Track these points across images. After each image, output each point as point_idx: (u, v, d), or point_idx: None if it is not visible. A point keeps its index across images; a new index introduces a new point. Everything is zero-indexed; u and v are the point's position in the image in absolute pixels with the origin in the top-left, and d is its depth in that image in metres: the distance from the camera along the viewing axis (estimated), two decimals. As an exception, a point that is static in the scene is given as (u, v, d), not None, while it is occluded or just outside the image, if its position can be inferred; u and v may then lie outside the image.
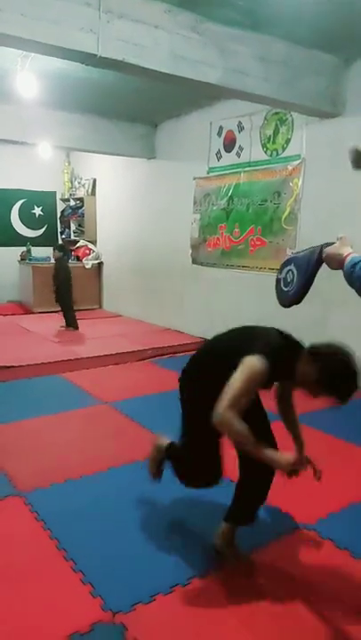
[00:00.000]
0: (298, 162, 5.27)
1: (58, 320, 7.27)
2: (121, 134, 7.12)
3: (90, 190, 9.08)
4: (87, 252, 9.00)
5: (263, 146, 5.69)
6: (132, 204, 8.04)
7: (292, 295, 1.97)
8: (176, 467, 2.34)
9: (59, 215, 9.73)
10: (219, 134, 6.23)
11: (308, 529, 2.45)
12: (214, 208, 6.38)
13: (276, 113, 5.45)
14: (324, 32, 4.01)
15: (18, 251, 9.07)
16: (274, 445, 2.08)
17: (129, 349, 6.02)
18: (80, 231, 9.33)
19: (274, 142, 5.56)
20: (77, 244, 9.15)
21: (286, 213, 5.42)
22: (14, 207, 9.28)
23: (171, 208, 7.13)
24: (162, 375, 5.02)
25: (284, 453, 1.93)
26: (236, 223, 6.07)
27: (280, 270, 2.08)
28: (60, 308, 7.18)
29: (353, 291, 1.69)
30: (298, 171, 5.27)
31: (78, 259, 8.97)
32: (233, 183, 6.08)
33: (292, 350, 1.93)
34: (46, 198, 9.58)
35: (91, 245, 9.07)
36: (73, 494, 2.76)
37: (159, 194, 7.40)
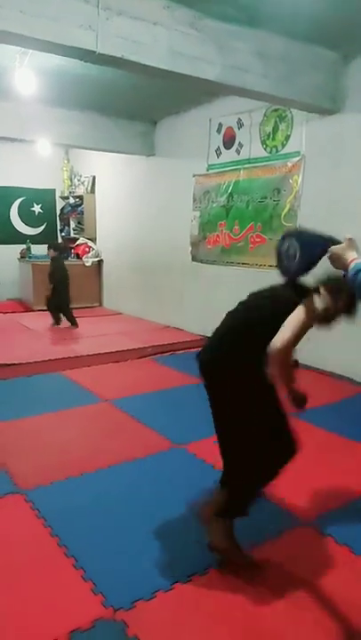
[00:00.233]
0: (297, 158, 5.26)
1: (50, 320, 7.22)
2: (120, 131, 7.11)
3: (89, 188, 9.06)
4: (87, 249, 9.00)
5: (263, 143, 5.68)
6: (131, 201, 8.03)
7: (293, 272, 2.05)
8: (247, 484, 2.12)
9: (58, 213, 9.72)
10: (218, 131, 6.22)
11: (307, 525, 2.46)
12: (214, 205, 6.37)
13: (276, 110, 5.44)
14: (323, 28, 3.99)
15: (17, 248, 9.07)
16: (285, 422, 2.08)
17: (129, 347, 6.02)
18: (80, 229, 9.32)
19: (273, 139, 5.55)
20: (77, 242, 9.15)
21: (286, 210, 5.41)
22: (14, 205, 9.27)
23: (170, 205, 7.13)
24: (162, 373, 5.01)
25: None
26: (236, 220, 6.06)
27: (282, 239, 2.10)
28: (48, 309, 7.13)
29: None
30: (297, 167, 5.26)
31: (78, 256, 8.97)
32: (233, 180, 6.07)
33: (308, 290, 2.04)
34: (46, 196, 9.57)
35: (90, 243, 9.07)
36: (74, 492, 2.76)
37: (159, 191, 7.39)
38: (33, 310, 8.32)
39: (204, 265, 6.62)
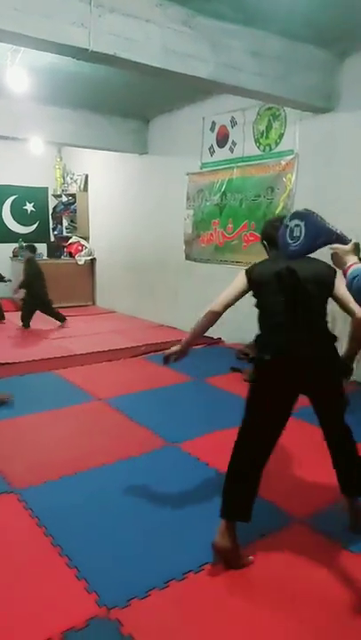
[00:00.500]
0: (291, 157, 5.27)
1: (44, 319, 7.14)
2: (113, 129, 7.08)
3: (82, 186, 9.03)
4: (80, 248, 8.97)
5: (256, 141, 5.68)
6: (124, 199, 8.01)
7: (290, 252, 2.02)
8: None
9: (51, 211, 9.68)
10: (212, 129, 6.22)
11: (302, 523, 2.46)
12: (207, 203, 6.37)
13: (270, 108, 5.45)
14: (318, 27, 4.00)
15: (10, 247, 9.02)
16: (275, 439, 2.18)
17: (122, 346, 6.02)
18: (72, 227, 9.29)
19: (267, 137, 5.55)
20: (70, 241, 9.12)
21: (279, 209, 5.41)
22: (6, 203, 9.23)
23: (164, 204, 7.11)
24: (156, 371, 4.99)
25: None
26: (230, 219, 6.06)
27: (292, 217, 1.99)
28: (21, 314, 7.03)
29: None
30: (291, 166, 5.27)
31: (71, 255, 8.94)
32: (226, 178, 6.07)
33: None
34: (38, 194, 9.53)
35: (83, 242, 9.04)
36: (67, 490, 2.75)
37: (152, 189, 7.37)
38: (26, 309, 8.26)
39: (197, 263, 6.61)
